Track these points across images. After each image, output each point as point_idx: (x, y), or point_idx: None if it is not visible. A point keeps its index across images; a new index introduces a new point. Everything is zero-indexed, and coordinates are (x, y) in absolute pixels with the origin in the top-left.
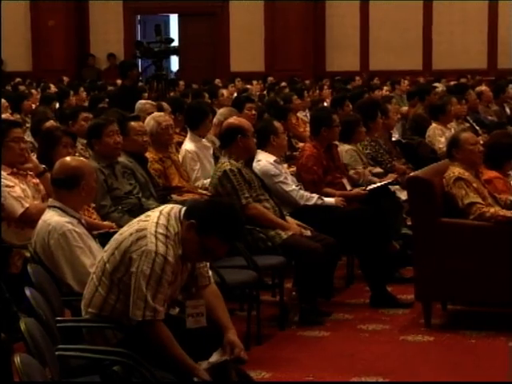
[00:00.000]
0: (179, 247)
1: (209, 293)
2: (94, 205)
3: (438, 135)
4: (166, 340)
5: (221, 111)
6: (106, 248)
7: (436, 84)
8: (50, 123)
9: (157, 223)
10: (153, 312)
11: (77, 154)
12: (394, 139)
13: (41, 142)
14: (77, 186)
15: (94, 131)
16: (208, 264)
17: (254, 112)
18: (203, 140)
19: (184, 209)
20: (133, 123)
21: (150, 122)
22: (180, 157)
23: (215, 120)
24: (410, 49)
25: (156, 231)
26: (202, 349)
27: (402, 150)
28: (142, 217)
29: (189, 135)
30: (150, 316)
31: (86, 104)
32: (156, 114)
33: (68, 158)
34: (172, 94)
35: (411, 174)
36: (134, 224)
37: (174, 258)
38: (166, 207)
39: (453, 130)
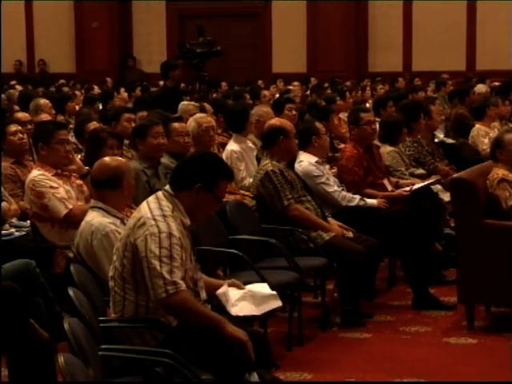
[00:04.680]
0: (185, 217)
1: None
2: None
3: (482, 136)
4: (193, 304)
5: (256, 111)
6: (113, 259)
7: (478, 85)
8: (94, 124)
9: (149, 208)
10: (174, 285)
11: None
12: (437, 140)
13: (87, 143)
14: (120, 185)
15: (138, 131)
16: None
17: (294, 112)
18: (248, 141)
19: (167, 187)
20: (175, 124)
21: (191, 123)
22: (224, 157)
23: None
24: (454, 49)
25: (152, 214)
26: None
27: (445, 151)
28: (134, 213)
29: (234, 137)
30: (173, 289)
31: (129, 105)
32: (197, 115)
33: (107, 159)
34: (214, 95)
35: (455, 176)
36: (129, 222)
37: (178, 232)
38: (150, 197)
39: (496, 131)
